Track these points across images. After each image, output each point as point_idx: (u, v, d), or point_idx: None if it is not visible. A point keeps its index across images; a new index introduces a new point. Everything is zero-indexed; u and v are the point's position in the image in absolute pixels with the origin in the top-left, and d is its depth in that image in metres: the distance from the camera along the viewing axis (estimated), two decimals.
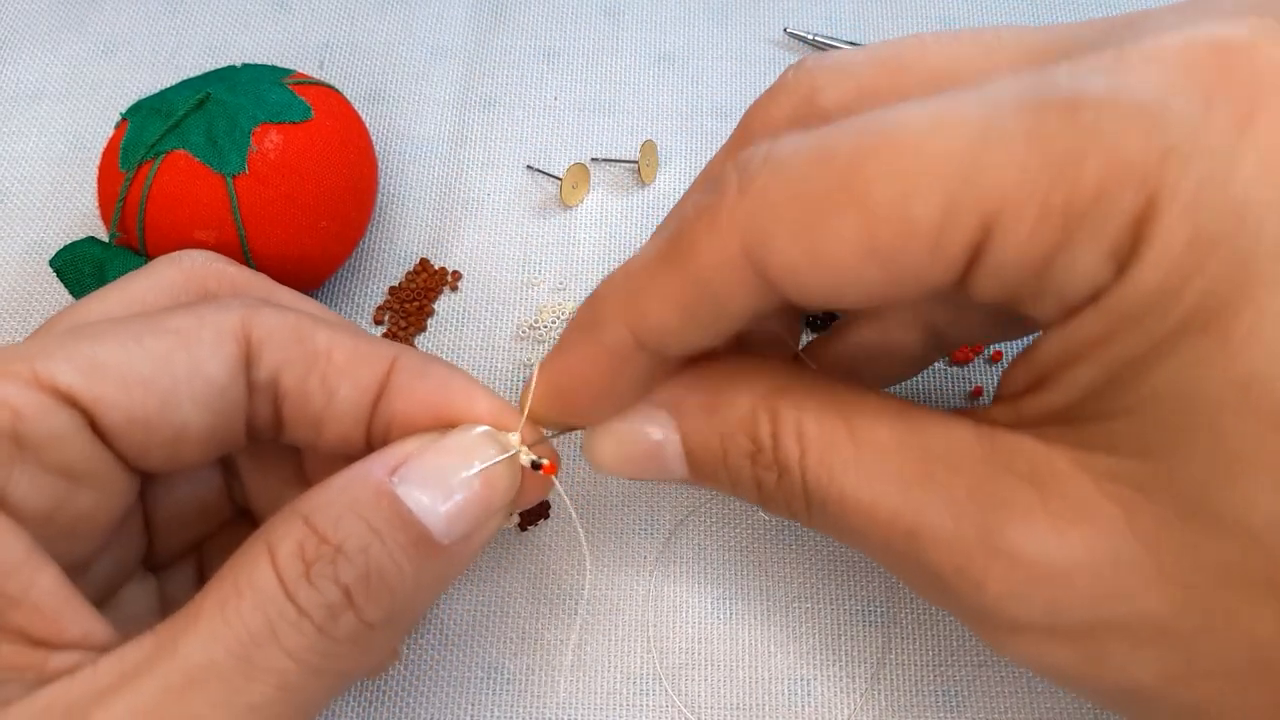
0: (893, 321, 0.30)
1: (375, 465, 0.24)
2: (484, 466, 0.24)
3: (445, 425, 0.25)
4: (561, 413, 0.26)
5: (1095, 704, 0.31)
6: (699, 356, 0.25)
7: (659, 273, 0.23)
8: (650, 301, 0.23)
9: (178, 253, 0.29)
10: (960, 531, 0.21)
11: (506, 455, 0.25)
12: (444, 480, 0.24)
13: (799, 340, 0.31)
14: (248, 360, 0.25)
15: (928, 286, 0.21)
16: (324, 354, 0.26)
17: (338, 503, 0.23)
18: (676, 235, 0.22)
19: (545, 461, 0.26)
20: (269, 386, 0.25)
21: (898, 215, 0.19)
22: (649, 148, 0.42)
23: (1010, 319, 0.28)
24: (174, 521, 0.28)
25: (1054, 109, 0.19)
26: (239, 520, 0.30)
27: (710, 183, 0.22)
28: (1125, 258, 0.19)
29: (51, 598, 0.21)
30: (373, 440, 0.26)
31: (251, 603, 0.21)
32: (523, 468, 0.25)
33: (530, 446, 0.25)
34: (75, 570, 0.24)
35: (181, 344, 0.24)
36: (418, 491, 0.23)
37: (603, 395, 0.25)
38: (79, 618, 0.22)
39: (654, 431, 0.26)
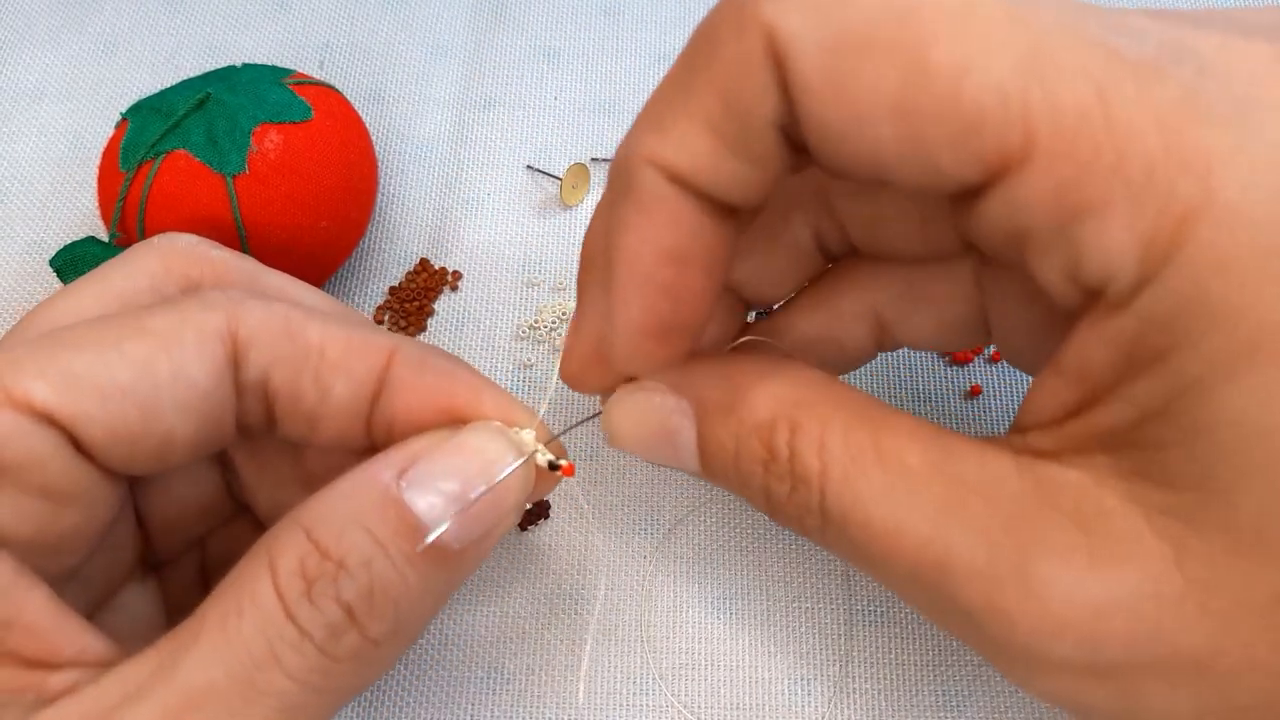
0: (845, 310, 0.28)
1: (382, 468, 0.23)
2: (506, 474, 0.23)
3: (452, 422, 0.24)
4: (637, 330, 0.23)
5: None
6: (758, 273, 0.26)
7: (678, 91, 0.21)
8: (673, 124, 0.21)
9: (157, 237, 0.28)
10: (994, 564, 0.20)
11: (525, 457, 0.24)
12: (456, 483, 0.23)
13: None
14: (234, 360, 0.24)
15: (938, 178, 0.19)
16: (316, 350, 0.24)
17: (340, 512, 0.22)
18: (694, 45, 0.20)
19: (564, 462, 0.25)
20: (258, 386, 0.25)
21: (946, 82, 0.18)
22: None
23: (970, 321, 0.27)
24: (171, 522, 0.28)
25: (1133, 71, 0.18)
26: (240, 515, 0.30)
27: None
28: (1166, 251, 0.17)
29: (43, 618, 0.21)
30: (374, 435, 0.25)
31: (252, 622, 0.21)
32: (537, 467, 0.25)
33: (542, 424, 0.25)
34: (64, 578, 0.24)
35: (163, 348, 0.23)
36: (428, 496, 0.22)
37: (667, 276, 0.22)
38: (74, 635, 0.21)
39: (671, 419, 0.25)
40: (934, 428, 0.23)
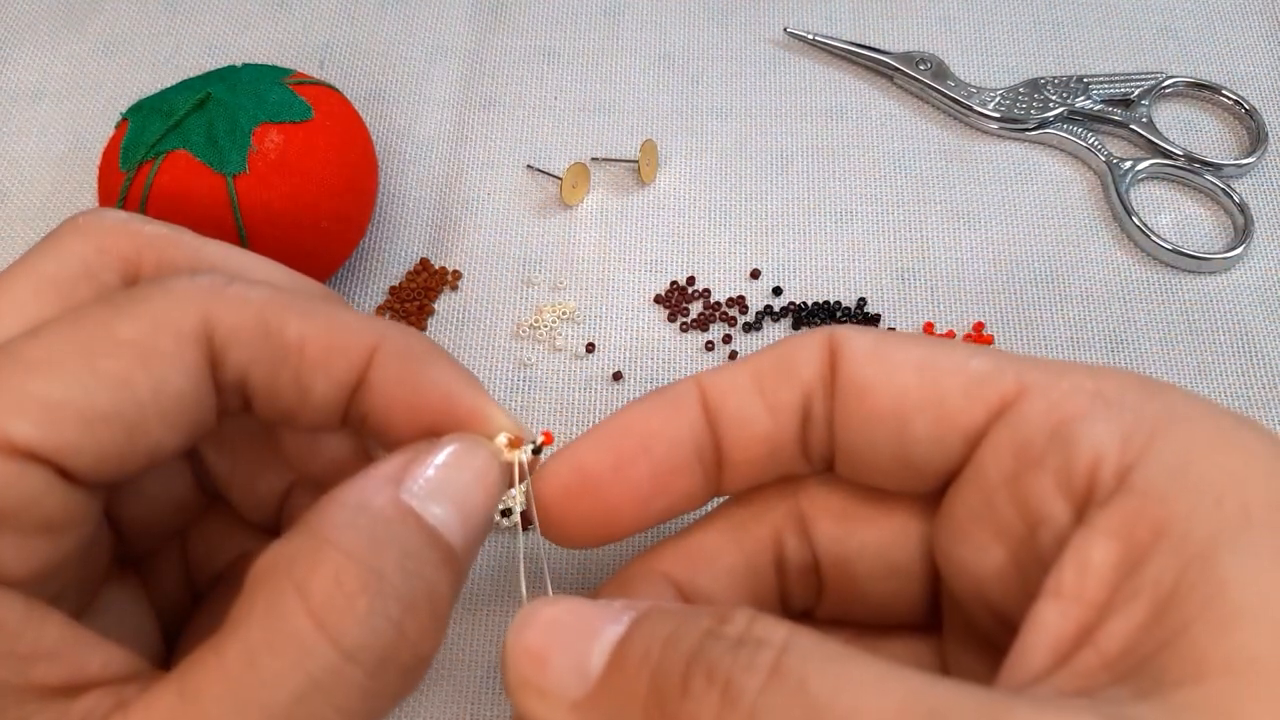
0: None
1: (386, 479, 0.22)
2: (519, 489, 0.23)
3: (430, 424, 0.24)
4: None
5: None
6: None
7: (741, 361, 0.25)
8: (733, 368, 0.25)
9: (82, 216, 0.26)
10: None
11: (516, 461, 0.24)
12: (456, 492, 0.22)
13: None
14: (213, 361, 0.23)
15: (954, 430, 0.23)
16: (295, 348, 0.23)
17: (362, 523, 0.21)
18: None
19: (540, 439, 0.25)
20: (236, 385, 0.24)
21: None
22: (649, 147, 0.42)
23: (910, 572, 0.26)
24: (144, 519, 0.27)
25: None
26: (216, 504, 0.29)
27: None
28: (1145, 439, 0.20)
29: (62, 643, 0.20)
30: (350, 422, 0.25)
31: (287, 660, 0.19)
32: (523, 461, 0.25)
33: (515, 438, 0.25)
34: (58, 595, 0.23)
35: (139, 361, 0.21)
36: (433, 506, 0.22)
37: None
38: (94, 652, 0.21)
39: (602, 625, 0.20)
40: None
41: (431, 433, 0.24)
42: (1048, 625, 0.20)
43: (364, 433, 0.25)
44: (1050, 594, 0.20)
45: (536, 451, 0.25)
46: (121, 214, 0.26)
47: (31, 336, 0.22)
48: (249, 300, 0.23)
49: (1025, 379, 0.22)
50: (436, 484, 0.22)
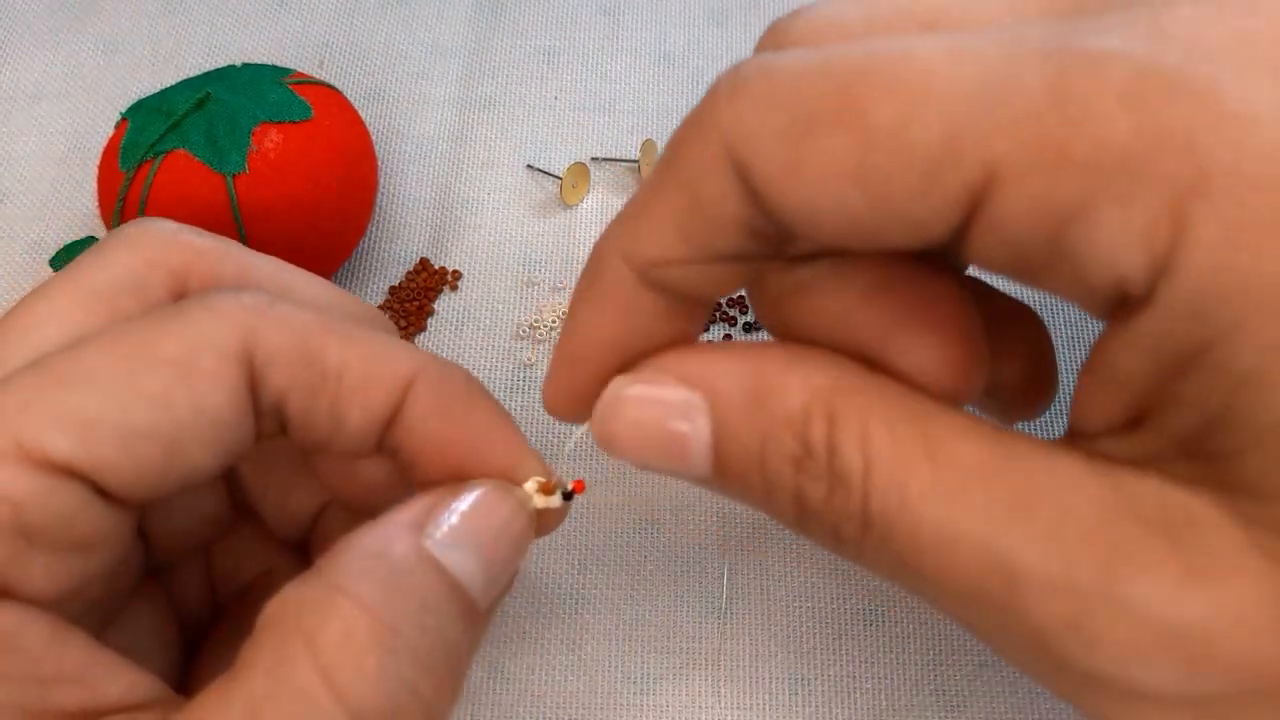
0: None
1: (404, 526, 0.21)
2: (521, 526, 0.23)
3: (461, 465, 0.24)
4: (576, 397, 0.23)
5: None
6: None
7: (651, 191, 0.21)
8: (642, 222, 0.21)
9: (132, 226, 0.26)
10: (1073, 577, 0.17)
11: (531, 512, 0.23)
12: (481, 541, 0.22)
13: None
14: (253, 384, 0.23)
15: (919, 228, 0.18)
16: (334, 375, 0.23)
17: (379, 572, 0.20)
18: (668, 148, 0.20)
19: (570, 486, 0.24)
20: (274, 410, 0.23)
21: (893, 137, 0.17)
22: (649, 147, 0.42)
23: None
24: (174, 532, 0.27)
25: (1082, 61, 0.16)
26: (244, 518, 0.29)
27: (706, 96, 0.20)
28: (1171, 238, 0.15)
29: (84, 667, 0.20)
30: (383, 450, 0.25)
31: (289, 716, 0.19)
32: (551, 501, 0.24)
33: (546, 481, 0.24)
34: (86, 612, 0.23)
35: (179, 378, 0.21)
36: (455, 554, 0.21)
37: (615, 358, 0.22)
38: (115, 677, 0.20)
39: (679, 417, 0.21)
40: (990, 424, 0.19)
41: (462, 471, 0.24)
42: (1099, 402, 0.19)
43: (396, 464, 0.25)
44: (1093, 379, 0.19)
45: (567, 498, 0.24)
46: (171, 225, 0.26)
47: (71, 350, 0.21)
48: (291, 322, 0.23)
49: (990, 154, 0.17)
50: (460, 531, 0.22)
